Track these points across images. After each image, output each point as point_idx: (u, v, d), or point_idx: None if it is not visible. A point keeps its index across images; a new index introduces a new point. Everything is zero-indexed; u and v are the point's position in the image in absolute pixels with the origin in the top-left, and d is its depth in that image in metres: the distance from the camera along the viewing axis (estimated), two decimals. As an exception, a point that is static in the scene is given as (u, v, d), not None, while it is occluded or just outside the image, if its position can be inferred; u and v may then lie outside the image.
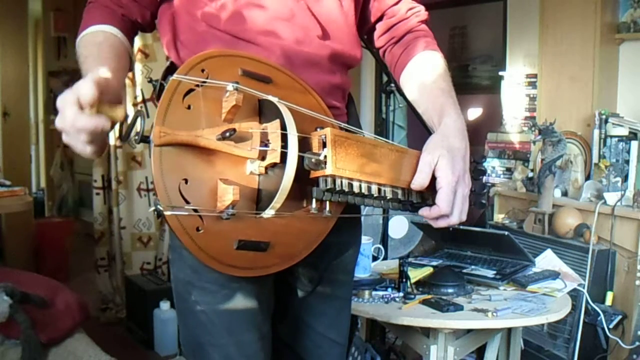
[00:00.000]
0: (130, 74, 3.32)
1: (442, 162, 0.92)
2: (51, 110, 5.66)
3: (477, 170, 1.04)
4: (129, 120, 0.83)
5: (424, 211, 0.95)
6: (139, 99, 3.35)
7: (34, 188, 5.69)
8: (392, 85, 2.40)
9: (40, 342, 1.91)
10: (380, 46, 1.20)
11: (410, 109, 2.57)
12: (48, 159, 5.80)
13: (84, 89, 0.77)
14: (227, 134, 0.80)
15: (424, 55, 1.10)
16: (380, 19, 1.15)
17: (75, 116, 0.77)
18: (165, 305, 2.89)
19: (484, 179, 3.42)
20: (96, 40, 0.96)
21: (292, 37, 0.99)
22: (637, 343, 2.29)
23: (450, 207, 0.93)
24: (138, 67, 3.32)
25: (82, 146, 0.80)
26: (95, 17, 0.99)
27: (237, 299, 1.00)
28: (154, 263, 3.45)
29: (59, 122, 0.80)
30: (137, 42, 3.27)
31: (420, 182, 0.93)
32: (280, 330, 1.13)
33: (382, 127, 2.56)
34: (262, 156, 0.84)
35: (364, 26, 1.18)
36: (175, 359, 2.90)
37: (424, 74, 1.08)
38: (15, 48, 4.49)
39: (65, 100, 0.78)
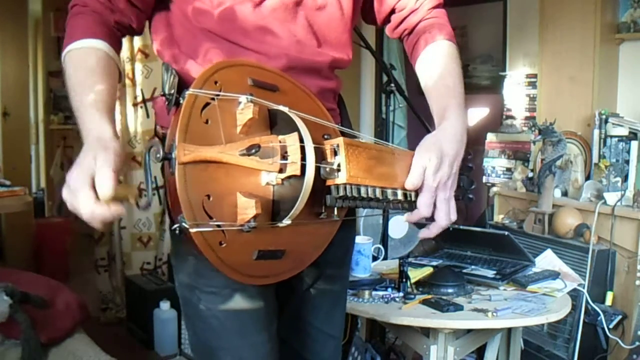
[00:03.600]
0: (130, 74, 3.32)
1: (429, 166, 0.94)
2: (51, 110, 5.66)
3: (464, 167, 1.06)
4: (146, 159, 0.83)
5: (408, 217, 0.98)
6: (139, 99, 3.35)
7: (34, 188, 5.68)
8: (392, 85, 2.41)
9: (40, 342, 1.91)
10: (396, 38, 1.19)
11: (410, 108, 2.58)
12: (48, 159, 5.80)
13: (104, 184, 0.76)
14: (253, 151, 0.81)
15: (431, 50, 1.10)
16: (392, 12, 1.15)
17: (92, 207, 0.76)
18: (165, 305, 2.89)
19: (484, 179, 3.39)
20: (88, 63, 0.90)
21: (287, 40, 1.00)
22: (637, 343, 2.28)
23: (429, 210, 0.95)
24: (138, 67, 3.32)
25: (94, 224, 0.79)
26: (83, 28, 0.93)
27: (244, 301, 1.01)
28: (154, 263, 3.45)
29: (69, 200, 0.77)
30: (137, 42, 3.27)
31: (413, 182, 0.95)
32: (277, 326, 1.13)
33: (382, 127, 2.57)
34: (280, 168, 0.86)
35: (376, 21, 1.18)
36: (175, 359, 2.90)
37: (431, 71, 1.08)
38: (15, 48, 4.49)
39: (80, 184, 0.76)
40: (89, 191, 0.76)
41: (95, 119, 0.85)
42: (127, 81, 3.32)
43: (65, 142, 5.43)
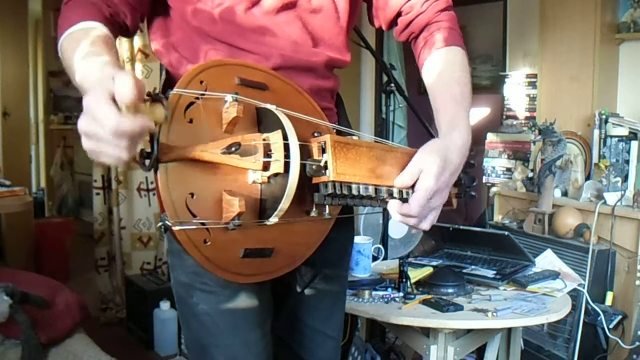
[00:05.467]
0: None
1: (432, 168, 0.91)
2: (51, 110, 5.67)
3: (466, 163, 1.05)
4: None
5: (394, 204, 0.92)
6: (139, 99, 3.35)
7: (34, 188, 5.69)
8: (392, 85, 2.41)
9: (40, 342, 1.91)
10: (403, 41, 1.16)
11: (410, 108, 2.58)
12: (48, 159, 5.81)
13: (125, 86, 0.67)
14: (233, 149, 0.80)
15: (438, 56, 1.07)
16: (399, 14, 1.12)
17: (117, 119, 0.67)
18: (165, 305, 2.89)
19: (484, 179, 3.38)
20: (90, 38, 0.84)
21: (282, 40, 1.00)
22: (637, 343, 2.28)
23: (420, 210, 0.91)
24: (138, 67, 3.32)
25: (118, 153, 0.69)
26: (80, 14, 0.89)
27: (238, 299, 1.01)
28: (154, 263, 3.45)
29: (88, 126, 0.68)
30: (137, 42, 3.27)
31: (404, 180, 0.91)
32: (275, 326, 1.13)
33: (382, 127, 2.57)
34: (265, 166, 0.85)
35: (382, 24, 1.16)
36: (175, 359, 2.90)
37: (438, 79, 1.06)
38: (15, 48, 4.49)
39: (99, 100, 0.68)
40: (112, 105, 0.67)
41: (109, 64, 0.78)
42: (127, 81, 3.32)
43: (65, 142, 5.44)
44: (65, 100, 5.49)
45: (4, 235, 3.90)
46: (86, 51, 0.82)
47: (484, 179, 3.37)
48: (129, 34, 1.00)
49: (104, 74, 0.73)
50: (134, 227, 3.42)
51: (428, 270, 2.01)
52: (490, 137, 3.36)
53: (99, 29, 0.87)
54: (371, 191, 0.90)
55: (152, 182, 3.34)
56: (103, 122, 0.67)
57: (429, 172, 0.91)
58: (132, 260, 3.43)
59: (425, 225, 0.94)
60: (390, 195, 0.93)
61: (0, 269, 2.90)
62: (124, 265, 3.42)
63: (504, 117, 3.42)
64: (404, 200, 0.93)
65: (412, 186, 0.92)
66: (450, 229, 2.21)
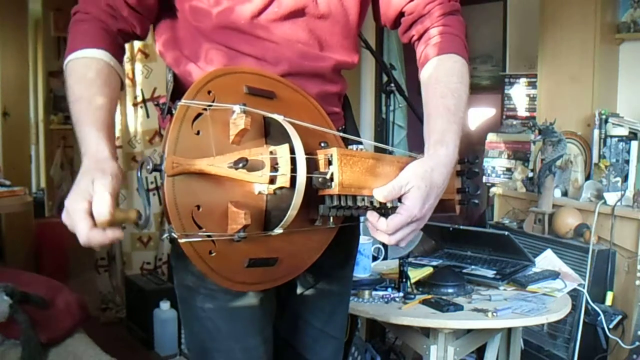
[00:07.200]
0: (130, 74, 3.32)
1: (416, 193, 0.88)
2: (51, 110, 5.66)
3: (470, 171, 1.05)
4: (139, 173, 0.82)
5: (372, 216, 0.90)
6: (139, 99, 3.35)
7: (34, 188, 5.69)
8: (392, 85, 2.40)
9: (40, 342, 1.91)
10: (406, 42, 1.13)
11: (410, 108, 2.58)
12: (48, 159, 5.80)
13: (101, 210, 0.75)
14: (240, 165, 0.80)
15: (436, 63, 1.04)
16: (402, 14, 1.10)
17: (89, 233, 0.76)
18: (165, 305, 2.89)
19: (484, 179, 3.38)
20: (88, 76, 0.90)
21: (288, 46, 0.98)
22: (637, 343, 2.28)
23: (395, 231, 0.89)
24: (138, 67, 3.32)
25: (93, 246, 0.80)
26: (85, 37, 0.92)
27: (241, 304, 1.01)
28: (154, 263, 3.45)
29: (70, 225, 0.78)
30: (137, 42, 3.27)
31: (384, 194, 0.88)
32: (279, 326, 1.14)
33: (382, 127, 2.57)
34: (272, 180, 0.84)
35: (385, 22, 1.13)
36: (175, 359, 2.90)
37: (433, 87, 1.02)
38: (15, 48, 4.49)
39: (77, 210, 0.76)
40: (86, 217, 0.76)
41: (92, 138, 0.84)
42: (127, 81, 3.32)
43: (65, 142, 5.43)
44: (65, 100, 5.34)
45: (4, 235, 3.90)
46: (80, 95, 0.89)
47: (484, 179, 3.37)
48: (139, 39, 1.02)
49: (88, 167, 0.81)
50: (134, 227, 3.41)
51: (428, 270, 2.01)
52: (490, 137, 3.36)
53: (100, 60, 0.91)
54: (376, 202, 0.89)
55: (152, 183, 3.34)
56: (77, 232, 0.77)
57: (412, 198, 0.88)
58: (132, 260, 3.43)
59: (402, 243, 0.92)
60: (394, 204, 0.91)
61: (0, 269, 2.90)
62: (124, 265, 3.42)
63: (504, 117, 3.42)
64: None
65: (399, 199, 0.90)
66: (450, 229, 2.21)
